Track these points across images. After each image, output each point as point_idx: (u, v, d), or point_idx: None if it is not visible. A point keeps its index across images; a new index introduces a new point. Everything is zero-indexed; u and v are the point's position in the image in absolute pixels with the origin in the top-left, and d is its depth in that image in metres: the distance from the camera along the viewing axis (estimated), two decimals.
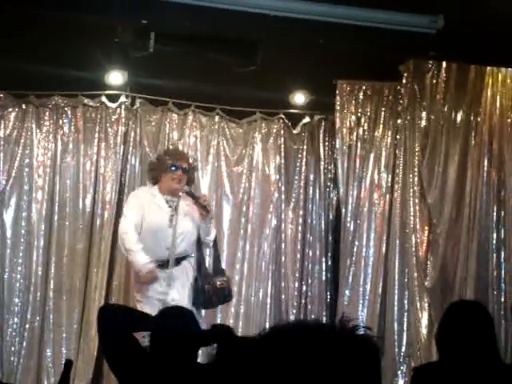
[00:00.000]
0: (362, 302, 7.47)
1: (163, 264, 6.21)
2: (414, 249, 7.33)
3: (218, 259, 6.55)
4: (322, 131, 8.02)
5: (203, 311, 6.48)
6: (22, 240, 7.41)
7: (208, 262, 6.63)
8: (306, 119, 8.02)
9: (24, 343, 7.32)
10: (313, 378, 1.42)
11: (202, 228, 6.30)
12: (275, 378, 1.43)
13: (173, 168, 6.34)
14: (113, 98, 7.65)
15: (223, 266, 6.77)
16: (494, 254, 7.12)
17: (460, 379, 3.69)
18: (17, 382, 6.99)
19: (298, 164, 7.99)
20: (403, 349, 7.28)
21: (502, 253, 7.13)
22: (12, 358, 7.28)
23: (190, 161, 6.60)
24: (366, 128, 7.66)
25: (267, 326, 7.24)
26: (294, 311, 7.76)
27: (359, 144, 7.64)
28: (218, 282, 6.25)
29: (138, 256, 6.20)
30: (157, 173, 6.49)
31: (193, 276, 6.31)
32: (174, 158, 6.45)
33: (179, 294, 6.13)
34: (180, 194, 6.34)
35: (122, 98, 7.64)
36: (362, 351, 1.48)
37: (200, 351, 3.92)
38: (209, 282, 6.23)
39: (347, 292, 7.49)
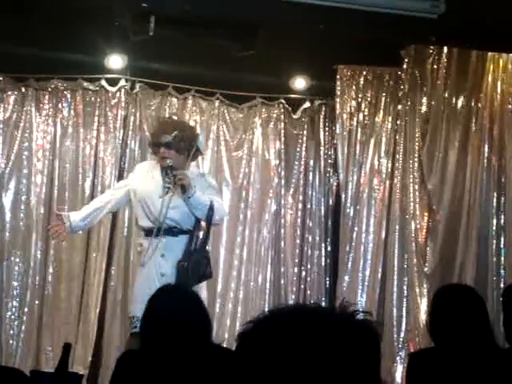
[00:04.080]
0: (361, 287, 7.47)
1: (158, 231, 6.02)
2: (413, 235, 7.33)
3: (205, 236, 6.18)
4: (322, 116, 8.01)
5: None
6: (21, 223, 7.41)
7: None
8: (307, 104, 8.00)
9: (23, 327, 7.33)
10: (311, 362, 1.41)
11: (186, 202, 6.06)
12: (274, 361, 1.42)
13: (155, 147, 6.21)
14: (112, 82, 7.63)
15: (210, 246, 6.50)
16: (494, 240, 7.12)
17: (455, 365, 3.69)
18: (16, 365, 6.99)
19: (297, 149, 7.98)
20: (402, 334, 7.29)
21: (502, 239, 7.13)
22: (11, 342, 7.29)
23: (178, 130, 6.17)
24: (366, 113, 7.64)
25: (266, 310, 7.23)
26: (293, 296, 7.76)
27: (359, 129, 7.63)
28: (196, 257, 6.01)
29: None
30: (152, 151, 6.43)
31: None
32: (155, 134, 6.29)
33: (172, 268, 5.95)
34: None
35: (122, 82, 7.61)
36: (361, 336, 1.47)
37: None
38: (185, 259, 5.98)
39: (346, 278, 7.49)
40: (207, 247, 6.25)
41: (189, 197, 6.01)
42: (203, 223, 6.20)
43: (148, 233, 6.11)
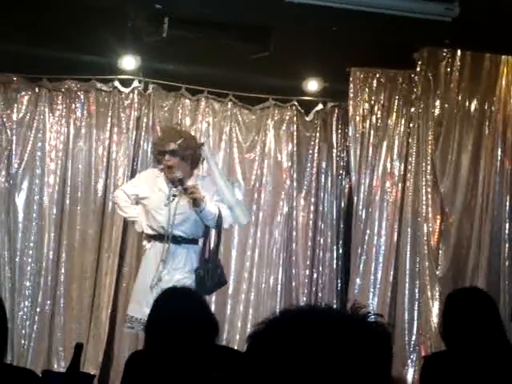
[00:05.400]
0: (372, 290, 7.46)
1: (160, 237, 6.17)
2: (425, 238, 7.31)
3: (216, 244, 6.37)
4: (334, 118, 8.00)
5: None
6: (34, 224, 7.43)
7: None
8: (319, 106, 8.00)
9: (35, 327, 7.35)
10: (323, 363, 1.41)
11: (197, 214, 6.19)
12: (285, 362, 1.42)
13: (160, 154, 6.28)
14: (126, 83, 7.64)
15: (221, 253, 6.71)
16: (507, 244, 7.09)
17: (470, 367, 3.68)
18: (27, 365, 7.01)
19: (310, 151, 7.98)
20: (413, 338, 7.27)
21: None
22: (23, 342, 7.31)
23: (183, 138, 6.32)
24: (379, 116, 7.63)
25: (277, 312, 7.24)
26: (305, 299, 7.76)
27: (372, 132, 7.62)
28: (210, 266, 6.18)
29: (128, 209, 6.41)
30: (157, 160, 6.47)
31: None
32: (159, 143, 6.39)
33: (176, 279, 6.02)
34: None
35: (135, 83, 7.63)
36: (373, 337, 1.47)
37: None
38: (201, 267, 6.16)
39: (358, 280, 7.48)
40: (219, 256, 6.41)
41: (201, 210, 6.10)
42: (213, 231, 6.32)
43: (152, 237, 6.23)
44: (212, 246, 6.35)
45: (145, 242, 6.35)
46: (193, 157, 6.31)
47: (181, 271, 6.12)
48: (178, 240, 6.15)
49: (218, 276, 6.24)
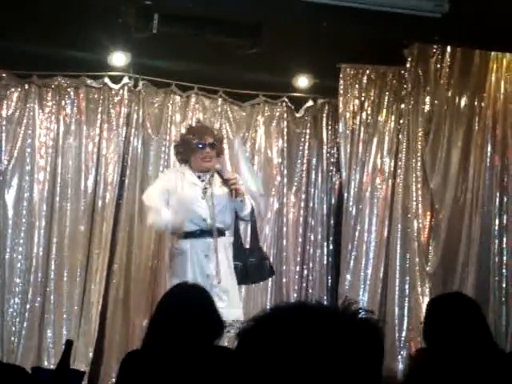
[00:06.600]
0: (362, 286, 7.47)
1: (201, 233, 6.18)
2: (415, 234, 7.32)
3: (254, 236, 6.53)
4: (325, 115, 8.00)
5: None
6: (24, 220, 7.40)
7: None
8: (310, 103, 8.00)
9: (25, 323, 7.32)
10: (314, 360, 1.41)
11: (237, 205, 6.27)
12: (275, 359, 1.42)
13: (200, 146, 6.29)
14: (116, 80, 7.62)
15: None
16: (496, 240, 7.11)
17: (452, 375, 3.64)
18: (17, 361, 6.99)
19: (300, 148, 7.98)
20: (404, 334, 7.29)
21: (504, 238, 7.12)
22: (12, 338, 7.29)
23: (215, 133, 6.58)
24: (369, 112, 7.64)
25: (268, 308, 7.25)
26: (295, 295, 7.76)
27: (362, 128, 7.63)
28: (250, 260, 6.30)
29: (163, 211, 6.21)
30: (185, 155, 6.43)
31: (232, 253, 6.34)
32: (199, 135, 6.36)
33: (218, 269, 6.10)
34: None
35: (125, 80, 7.60)
36: (364, 333, 1.47)
37: None
38: (241, 259, 6.26)
39: (348, 276, 7.49)
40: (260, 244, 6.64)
41: (241, 200, 6.20)
42: (242, 223, 6.49)
43: (188, 234, 6.20)
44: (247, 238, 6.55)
45: (179, 243, 6.25)
46: (222, 150, 6.65)
47: (224, 264, 6.19)
48: (218, 232, 6.23)
49: (269, 267, 6.46)
